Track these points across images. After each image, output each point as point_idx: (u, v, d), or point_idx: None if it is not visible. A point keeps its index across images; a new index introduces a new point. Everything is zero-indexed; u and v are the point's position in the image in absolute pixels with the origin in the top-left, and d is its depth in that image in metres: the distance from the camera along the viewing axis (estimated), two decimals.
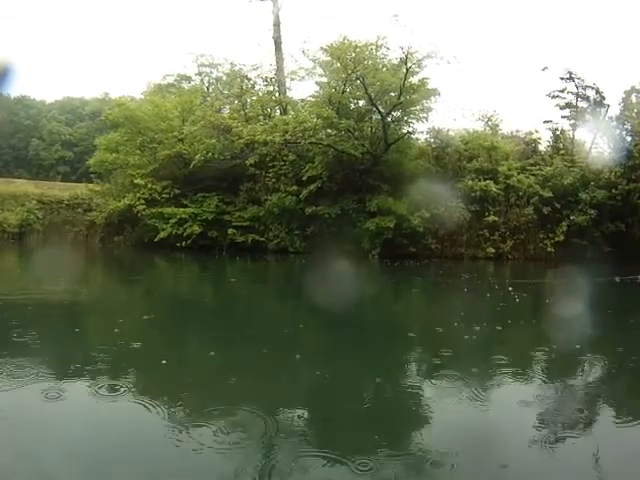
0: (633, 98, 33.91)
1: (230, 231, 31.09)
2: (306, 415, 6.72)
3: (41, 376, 7.40)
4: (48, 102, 70.03)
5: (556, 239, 30.87)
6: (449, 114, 45.77)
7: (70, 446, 5.36)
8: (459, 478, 5.09)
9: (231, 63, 35.71)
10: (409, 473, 5.14)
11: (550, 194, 31.10)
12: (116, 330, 10.20)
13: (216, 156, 31.86)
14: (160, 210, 31.63)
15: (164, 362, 8.21)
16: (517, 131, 37.39)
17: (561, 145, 35.73)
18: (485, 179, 31.32)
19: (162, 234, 31.01)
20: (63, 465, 4.99)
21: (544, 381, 8.45)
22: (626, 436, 6.09)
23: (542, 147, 36.31)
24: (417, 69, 30.22)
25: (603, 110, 34.39)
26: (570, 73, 33.93)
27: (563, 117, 35.36)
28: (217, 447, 5.36)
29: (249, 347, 9.99)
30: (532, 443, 5.65)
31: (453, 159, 33.00)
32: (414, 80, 30.37)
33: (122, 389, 6.97)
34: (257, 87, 35.84)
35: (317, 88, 33.35)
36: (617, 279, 18.31)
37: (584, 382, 8.62)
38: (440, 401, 7.19)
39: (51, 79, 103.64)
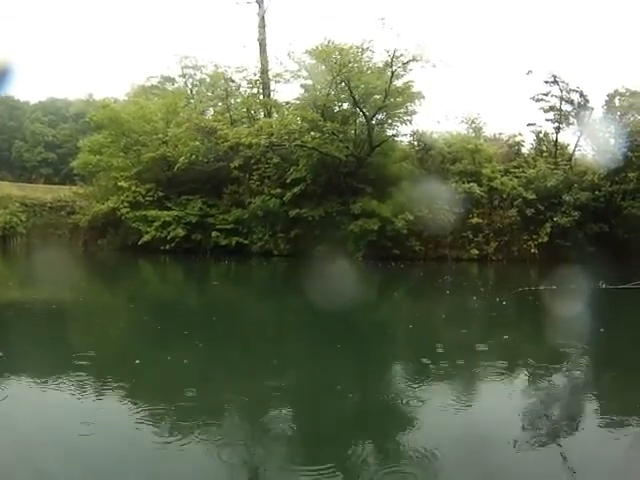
0: (616, 101, 34.08)
1: (214, 234, 30.98)
2: (291, 416, 6.72)
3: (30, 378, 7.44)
4: (32, 103, 69.46)
5: (540, 240, 31.05)
6: (433, 117, 45.80)
7: (66, 447, 5.40)
8: (445, 476, 5.12)
9: (215, 65, 35.60)
10: (395, 473, 5.14)
11: (534, 196, 31.26)
12: (101, 333, 10.19)
13: (200, 158, 31.85)
14: (144, 213, 31.49)
15: (150, 365, 8.21)
16: (500, 134, 37.56)
17: (544, 148, 35.95)
18: (469, 181, 31.40)
19: (146, 237, 30.87)
20: (61, 466, 5.03)
21: (528, 382, 8.51)
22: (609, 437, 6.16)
23: (525, 150, 36.56)
24: (402, 72, 30.26)
25: (587, 113, 34.50)
26: (554, 77, 33.98)
27: (547, 120, 35.49)
28: (203, 449, 5.37)
29: (232, 349, 10.02)
30: (518, 443, 5.69)
31: (436, 161, 33.06)
32: (399, 83, 30.46)
33: (108, 391, 6.99)
34: (242, 89, 35.76)
35: (302, 91, 33.35)
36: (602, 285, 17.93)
37: (570, 385, 8.65)
38: (424, 402, 7.21)
39: (35, 80, 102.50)
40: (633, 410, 6.82)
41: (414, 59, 29.44)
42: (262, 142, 29.63)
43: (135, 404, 6.66)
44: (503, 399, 7.54)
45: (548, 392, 8.03)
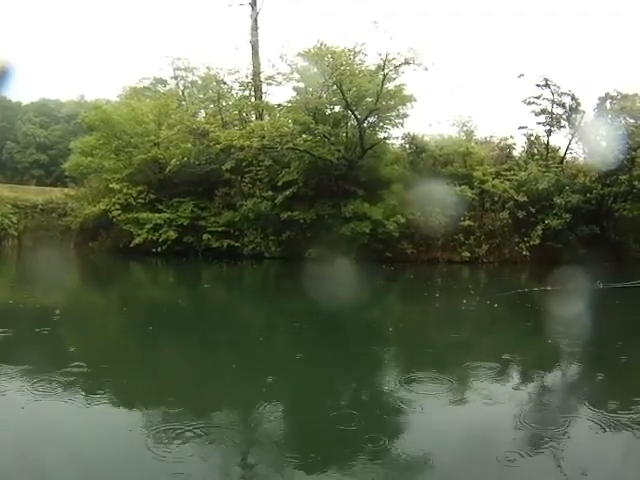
0: (608, 104, 34.18)
1: (205, 236, 30.90)
2: (285, 420, 6.73)
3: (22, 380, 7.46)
4: (24, 104, 69.09)
5: (531, 243, 31.09)
6: (425, 120, 45.95)
7: (64, 449, 5.44)
8: (441, 477, 5.13)
9: (207, 67, 35.49)
10: (390, 475, 5.15)
11: (525, 199, 31.32)
12: (93, 335, 10.20)
13: (192, 161, 31.79)
14: (135, 215, 31.35)
15: (143, 368, 8.21)
16: (492, 137, 37.57)
17: (536, 150, 36.01)
18: (460, 184, 31.45)
19: (137, 240, 30.73)
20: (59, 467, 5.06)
21: (524, 383, 8.54)
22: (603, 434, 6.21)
23: (517, 152, 36.61)
24: (394, 75, 30.30)
25: (579, 116, 34.59)
26: (546, 80, 34.06)
27: (538, 123, 35.58)
28: (197, 454, 5.37)
29: (224, 353, 10.02)
30: (512, 443, 5.72)
31: (428, 164, 33.05)
32: (391, 86, 30.47)
33: (99, 396, 7.00)
34: (234, 91, 35.71)
35: (294, 93, 33.33)
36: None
37: (560, 384, 8.69)
38: (417, 404, 7.24)
39: (27, 80, 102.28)
40: (632, 410, 6.86)
41: (406, 62, 29.41)
42: (254, 145, 29.57)
43: (129, 406, 6.67)
44: (499, 400, 7.55)
45: (544, 393, 8.06)
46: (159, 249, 30.70)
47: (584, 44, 75.15)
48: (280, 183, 30.35)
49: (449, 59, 74.45)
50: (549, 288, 17.60)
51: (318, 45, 29.70)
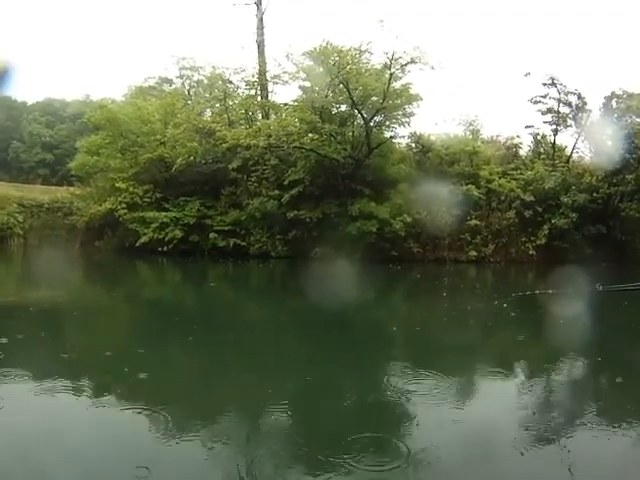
0: (614, 103, 34.09)
1: (211, 235, 30.86)
2: (288, 420, 6.69)
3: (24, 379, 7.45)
4: (29, 103, 69.14)
5: (538, 242, 31.07)
6: (431, 119, 46.00)
7: (63, 449, 5.43)
8: (443, 476, 5.09)
9: (213, 66, 35.50)
10: (394, 472, 5.12)
11: (531, 198, 31.26)
12: (94, 335, 10.20)
13: (198, 160, 31.83)
14: (141, 214, 31.37)
15: (145, 366, 8.17)
16: (498, 136, 37.55)
17: (542, 150, 35.97)
18: (467, 183, 31.40)
19: (143, 239, 30.73)
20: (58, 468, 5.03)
21: (527, 384, 8.49)
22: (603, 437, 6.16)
23: (523, 152, 36.57)
24: (400, 74, 30.24)
25: (585, 115, 34.53)
26: (552, 79, 34.00)
27: (545, 122, 35.51)
28: (199, 455, 5.34)
29: (229, 352, 10.00)
30: (514, 442, 5.69)
31: (434, 163, 33.02)
32: (397, 85, 30.42)
33: (100, 396, 6.99)
34: (240, 91, 35.70)
35: (300, 92, 33.32)
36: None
37: (565, 385, 8.64)
38: (419, 403, 7.21)
39: (32, 80, 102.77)
40: (633, 412, 6.81)
41: (412, 61, 29.37)
42: (260, 144, 29.54)
43: (131, 405, 6.63)
44: (501, 401, 7.54)
45: (547, 394, 8.02)
46: (165, 248, 30.68)
47: (589, 43, 75.09)
48: (286, 182, 30.32)
49: (454, 58, 74.28)
50: (550, 291, 17.49)
51: (324, 44, 29.71)
